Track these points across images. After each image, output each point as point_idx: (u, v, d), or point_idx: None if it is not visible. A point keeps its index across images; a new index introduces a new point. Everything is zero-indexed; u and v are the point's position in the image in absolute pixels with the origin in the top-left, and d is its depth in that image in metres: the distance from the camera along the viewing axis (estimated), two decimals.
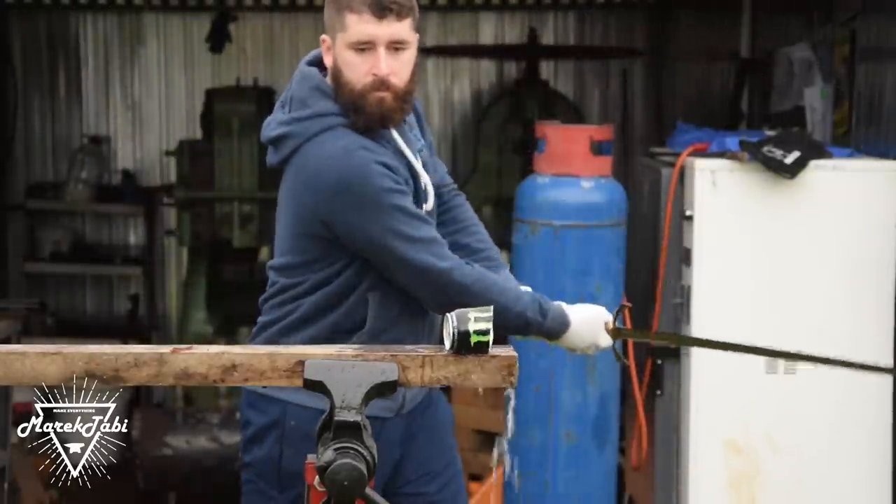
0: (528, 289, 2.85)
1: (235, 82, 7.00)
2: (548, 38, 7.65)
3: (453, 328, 2.06)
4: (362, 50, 2.68)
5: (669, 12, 7.58)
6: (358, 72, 2.69)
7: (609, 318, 2.87)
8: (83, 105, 7.58)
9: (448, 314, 2.09)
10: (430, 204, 2.81)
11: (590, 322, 2.84)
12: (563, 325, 2.81)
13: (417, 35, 2.75)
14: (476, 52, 7.64)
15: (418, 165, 2.80)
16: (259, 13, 7.55)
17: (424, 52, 7.54)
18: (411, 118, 2.88)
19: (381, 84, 2.69)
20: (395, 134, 2.78)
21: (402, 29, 2.69)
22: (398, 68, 2.70)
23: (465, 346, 2.06)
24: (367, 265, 2.73)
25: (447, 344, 2.08)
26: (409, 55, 2.72)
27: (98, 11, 7.55)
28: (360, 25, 2.67)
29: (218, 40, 7.06)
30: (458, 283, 2.67)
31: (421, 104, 2.98)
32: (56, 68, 7.56)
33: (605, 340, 2.86)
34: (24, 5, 7.45)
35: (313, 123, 2.72)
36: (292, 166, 2.75)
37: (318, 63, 2.83)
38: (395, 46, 2.69)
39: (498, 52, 7.68)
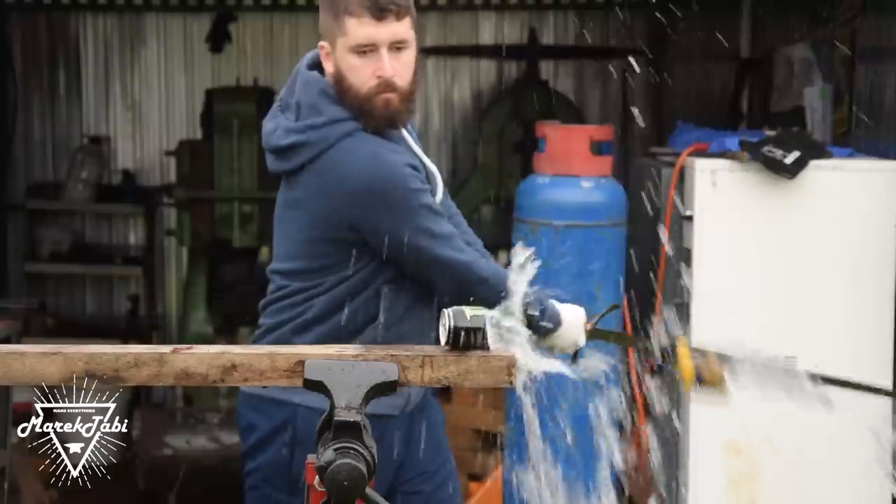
0: None
1: (235, 82, 7.00)
2: (548, 38, 7.65)
3: (449, 324, 2.07)
4: (364, 53, 2.69)
5: (669, 12, 7.58)
6: (362, 75, 2.70)
7: (585, 318, 2.92)
8: (83, 105, 7.58)
9: (444, 310, 2.10)
10: (439, 195, 2.84)
11: (575, 323, 2.89)
12: (555, 324, 2.85)
13: (416, 34, 2.76)
14: (476, 52, 7.64)
15: (428, 161, 2.83)
16: (259, 13, 7.55)
17: (424, 52, 7.55)
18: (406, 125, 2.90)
19: (387, 86, 2.70)
20: (404, 133, 2.80)
21: (402, 28, 2.69)
22: (400, 68, 2.71)
23: (458, 341, 2.06)
24: (382, 264, 2.75)
25: (443, 339, 2.08)
26: (410, 54, 2.73)
27: (98, 11, 7.54)
28: (360, 28, 2.67)
29: (218, 40, 7.06)
30: (477, 275, 2.72)
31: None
32: (56, 68, 7.55)
33: (583, 340, 2.91)
34: (24, 5, 7.45)
35: (331, 130, 2.72)
36: (311, 173, 2.74)
37: (316, 66, 2.83)
38: (397, 47, 2.70)
39: (498, 52, 7.68)
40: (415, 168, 2.73)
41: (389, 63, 2.68)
